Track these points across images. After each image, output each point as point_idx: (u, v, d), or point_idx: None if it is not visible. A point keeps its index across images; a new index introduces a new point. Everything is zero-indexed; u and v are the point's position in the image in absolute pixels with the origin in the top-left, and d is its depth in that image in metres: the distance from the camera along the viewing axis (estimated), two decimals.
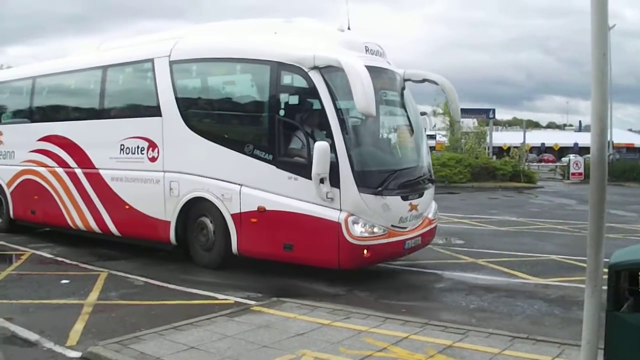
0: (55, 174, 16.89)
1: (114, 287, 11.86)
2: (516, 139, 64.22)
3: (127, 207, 14.99)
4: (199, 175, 13.52)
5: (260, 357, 7.48)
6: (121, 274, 13.06)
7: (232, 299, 10.91)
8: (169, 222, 14.07)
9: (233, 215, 12.89)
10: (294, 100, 12.43)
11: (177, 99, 14.04)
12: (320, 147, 11.32)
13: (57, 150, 16.83)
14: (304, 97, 12.31)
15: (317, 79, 11.82)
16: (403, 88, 13.89)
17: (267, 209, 12.35)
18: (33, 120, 18.08)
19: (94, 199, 15.80)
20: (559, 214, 25.76)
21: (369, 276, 13.02)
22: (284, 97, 12.45)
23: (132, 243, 15.58)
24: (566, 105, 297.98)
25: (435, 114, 56.31)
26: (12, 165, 18.38)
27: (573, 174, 49.55)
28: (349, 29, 13.77)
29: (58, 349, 8.20)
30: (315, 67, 11.84)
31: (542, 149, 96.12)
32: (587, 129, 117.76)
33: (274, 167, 12.28)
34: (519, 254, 15.50)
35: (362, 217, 11.79)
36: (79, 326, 9.18)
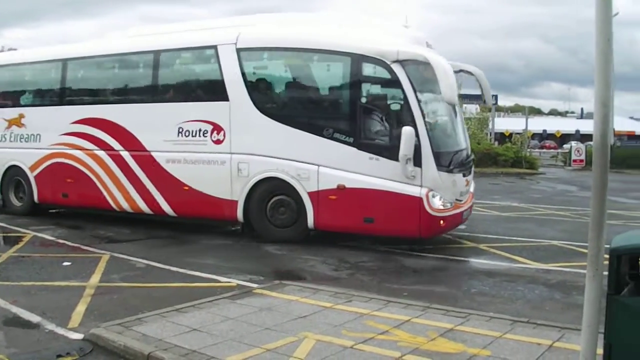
0: (94, 156, 17.04)
1: (116, 269, 11.89)
2: (518, 126, 64.15)
3: (185, 188, 15.61)
4: (271, 157, 14.48)
5: (263, 339, 7.50)
6: (123, 256, 13.08)
7: (234, 281, 10.94)
8: (235, 202, 14.96)
9: (310, 194, 14.08)
10: (375, 89, 14.00)
11: (247, 85, 14.83)
12: (407, 131, 12.74)
13: (97, 133, 16.99)
14: (385, 86, 13.79)
15: (399, 71, 13.13)
16: None
17: (347, 186, 13.61)
18: (65, 102, 18.06)
19: (145, 181, 16.25)
20: (560, 200, 25.79)
21: (371, 259, 13.11)
22: (365, 86, 13.93)
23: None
24: (567, 93, 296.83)
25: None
26: (37, 148, 18.31)
27: (574, 160, 49.58)
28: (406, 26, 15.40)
29: (60, 330, 8.22)
30: (397, 61, 13.12)
31: (544, 136, 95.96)
32: (588, 116, 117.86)
33: (354, 149, 13.56)
34: (521, 239, 15.53)
35: (438, 192, 13.31)
36: (81, 308, 9.20)
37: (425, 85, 13.62)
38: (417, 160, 13.01)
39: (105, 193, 16.87)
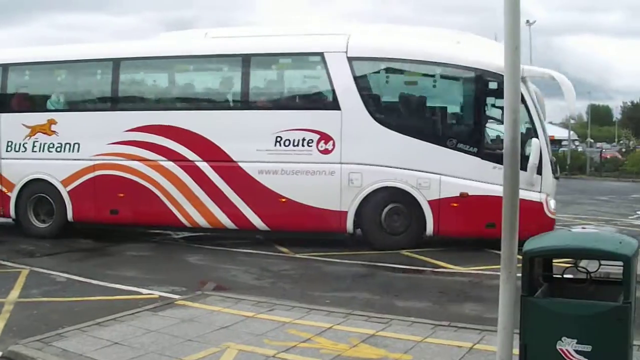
0: (159, 168, 15.77)
1: (35, 284, 11.62)
2: None
3: (282, 200, 15.10)
4: (388, 167, 14.65)
5: (185, 350, 7.45)
6: (43, 270, 12.80)
7: (156, 293, 10.84)
8: (345, 212, 14.85)
9: (430, 202, 14.47)
10: (500, 103, 14.01)
11: (362, 94, 14.79)
12: (536, 143, 13.95)
13: (164, 142, 15.74)
14: None
15: (522, 88, 13.39)
16: None
17: (470, 194, 14.25)
18: (118, 108, 16.49)
19: (229, 193, 15.43)
20: None
21: (294, 268, 13.15)
22: (490, 101, 14.65)
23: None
24: None
25: None
26: (74, 159, 16.31)
27: None
28: None
29: None
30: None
31: None
32: None
33: (478, 159, 14.27)
34: (441, 243, 15.68)
35: (552, 197, 14.47)
36: None
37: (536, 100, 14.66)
38: (538, 169, 14.10)
39: (173, 208, 15.74)
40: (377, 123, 14.66)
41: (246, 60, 15.59)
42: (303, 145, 14.93)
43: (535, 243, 5.46)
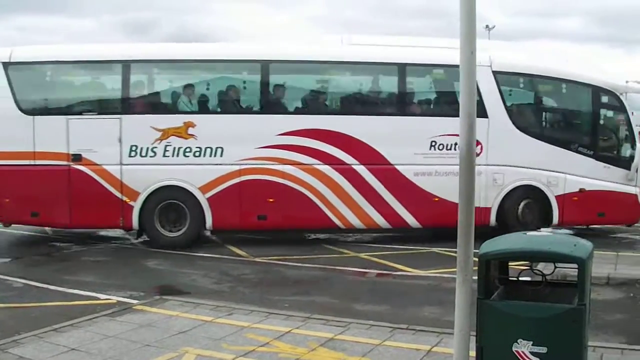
0: (315, 172, 15.83)
1: None
2: None
3: (435, 199, 16.28)
4: (524, 167, 16.76)
5: (143, 356, 7.42)
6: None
7: (114, 298, 10.75)
8: (489, 208, 16.57)
9: (557, 197, 16.74)
10: (609, 114, 17.54)
11: (505, 105, 16.69)
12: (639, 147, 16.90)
13: (319, 145, 15.84)
14: (615, 112, 17.42)
15: (624, 101, 16.78)
16: None
17: (587, 189, 16.71)
18: (271, 111, 16.13)
19: (385, 195, 16.23)
20: None
21: (253, 272, 13.16)
22: (602, 112, 17.36)
23: None
24: None
25: None
26: (216, 164, 15.63)
27: None
28: None
29: None
30: (623, 93, 16.76)
31: None
32: None
33: (593, 160, 16.82)
34: (400, 247, 15.85)
35: None
36: None
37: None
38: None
39: (327, 211, 15.96)
40: (517, 129, 16.61)
41: (402, 69, 16.57)
42: (455, 149, 15.48)
43: (491, 246, 5.50)
